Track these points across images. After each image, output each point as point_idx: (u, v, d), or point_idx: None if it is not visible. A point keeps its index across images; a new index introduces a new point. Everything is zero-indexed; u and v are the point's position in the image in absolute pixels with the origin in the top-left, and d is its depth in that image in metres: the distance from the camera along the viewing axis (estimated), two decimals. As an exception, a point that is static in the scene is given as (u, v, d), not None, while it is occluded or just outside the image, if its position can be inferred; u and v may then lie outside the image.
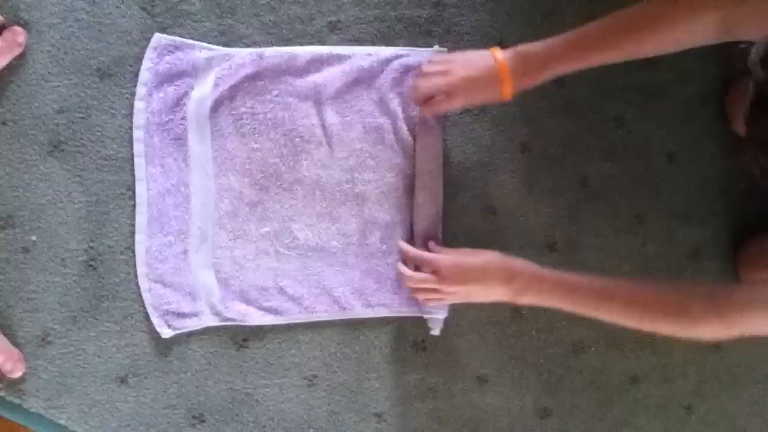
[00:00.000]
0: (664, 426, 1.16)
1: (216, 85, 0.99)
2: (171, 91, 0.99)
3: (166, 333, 1.00)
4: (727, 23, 0.78)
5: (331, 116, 1.02)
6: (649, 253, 1.14)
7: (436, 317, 1.03)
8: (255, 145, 1.01)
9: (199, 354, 1.01)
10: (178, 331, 1.00)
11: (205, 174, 1.00)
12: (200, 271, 1.00)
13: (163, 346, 1.00)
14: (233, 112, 1.00)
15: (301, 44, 1.02)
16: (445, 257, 0.96)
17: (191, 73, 0.99)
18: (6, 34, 0.93)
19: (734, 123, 1.13)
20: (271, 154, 1.01)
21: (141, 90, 0.98)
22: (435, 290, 0.96)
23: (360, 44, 1.04)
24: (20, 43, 0.94)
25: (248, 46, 1.01)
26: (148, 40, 0.98)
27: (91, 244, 0.98)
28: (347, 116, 1.03)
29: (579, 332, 1.12)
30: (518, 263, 0.94)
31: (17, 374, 0.95)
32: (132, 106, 0.98)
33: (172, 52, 0.99)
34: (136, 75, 0.98)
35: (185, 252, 1.00)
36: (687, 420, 1.17)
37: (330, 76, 1.02)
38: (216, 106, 1.00)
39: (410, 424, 1.08)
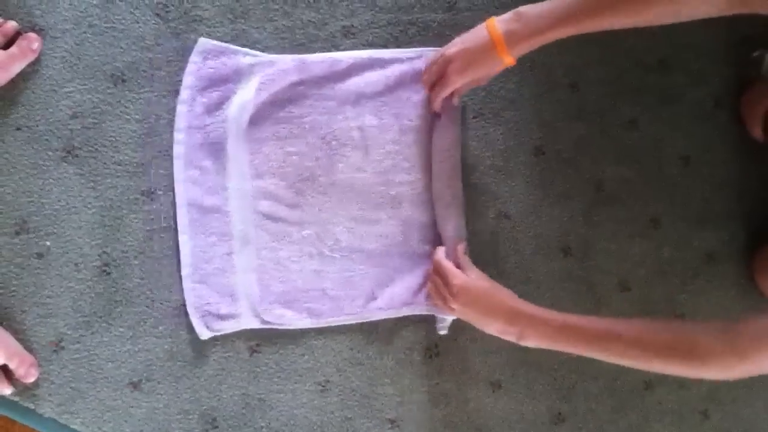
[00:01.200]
0: (680, 432, 1.15)
1: (258, 90, 1.00)
2: (215, 95, 1.00)
3: (205, 334, 1.00)
4: None
5: (369, 119, 1.03)
6: (664, 258, 1.13)
7: (445, 317, 1.03)
8: (291, 149, 1.01)
9: (212, 359, 1.01)
10: (216, 333, 1.00)
11: (242, 177, 1.00)
12: (243, 272, 1.01)
13: (177, 352, 1.00)
14: (272, 116, 1.01)
15: (314, 49, 1.02)
16: (459, 275, 0.96)
17: (234, 78, 1.00)
18: (21, 40, 0.94)
19: (750, 126, 1.13)
20: (307, 158, 1.02)
21: (184, 94, 0.99)
22: (444, 299, 0.96)
23: (373, 48, 1.03)
24: (34, 50, 0.94)
25: (262, 51, 1.01)
26: (162, 45, 0.98)
27: (104, 249, 0.98)
28: (384, 119, 1.03)
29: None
30: (526, 307, 0.93)
31: (30, 379, 0.95)
32: (145, 111, 0.98)
33: (217, 57, 0.99)
34: (150, 80, 0.98)
35: (230, 253, 1.00)
36: (702, 426, 1.16)
37: (371, 80, 1.03)
38: (256, 111, 1.00)
39: (424, 429, 1.07)
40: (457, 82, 0.93)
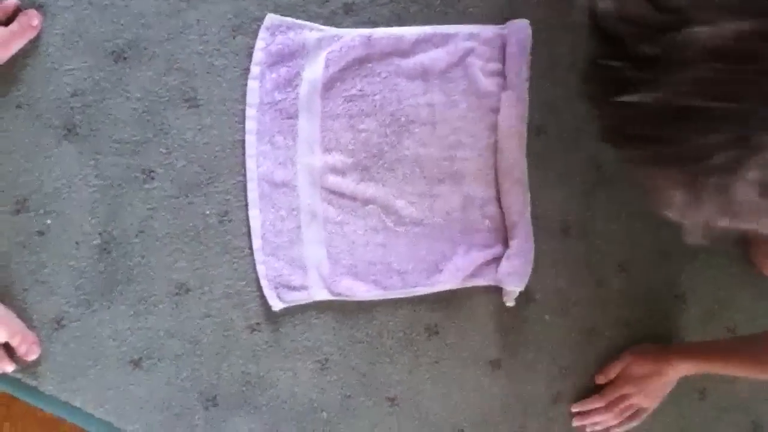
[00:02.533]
0: (678, 411, 1.16)
1: (326, 66, 1.01)
2: (284, 71, 1.01)
3: (277, 305, 1.02)
4: None
5: (438, 96, 1.04)
6: (664, 238, 1.13)
7: (513, 289, 1.06)
8: (362, 126, 1.03)
9: (212, 337, 1.01)
10: (288, 304, 1.02)
11: (311, 152, 1.02)
12: (312, 245, 1.02)
13: (177, 330, 1.00)
14: (344, 94, 1.02)
15: (315, 27, 1.02)
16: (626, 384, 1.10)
17: (301, 53, 1.01)
18: (21, 17, 0.93)
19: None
20: (376, 135, 1.03)
21: (255, 70, 1.00)
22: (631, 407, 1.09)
23: (375, 26, 1.03)
24: (35, 26, 0.93)
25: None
26: (162, 22, 0.98)
27: (105, 227, 0.98)
28: (453, 95, 1.05)
29: (593, 317, 1.12)
30: (676, 355, 1.07)
31: (32, 357, 0.95)
32: (146, 89, 0.98)
33: (284, 33, 1.00)
34: (151, 58, 0.98)
35: (298, 227, 1.02)
36: (701, 405, 1.17)
37: (436, 56, 1.04)
38: (327, 88, 1.02)
39: (423, 408, 1.08)
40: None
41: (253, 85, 1.01)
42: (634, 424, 1.11)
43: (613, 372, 1.10)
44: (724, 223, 0.58)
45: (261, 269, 1.02)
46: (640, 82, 0.51)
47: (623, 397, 1.09)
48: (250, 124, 1.01)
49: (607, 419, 1.10)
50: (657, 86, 0.50)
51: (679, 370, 1.07)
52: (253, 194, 1.01)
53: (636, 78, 0.51)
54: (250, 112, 1.01)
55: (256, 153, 1.01)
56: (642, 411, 1.10)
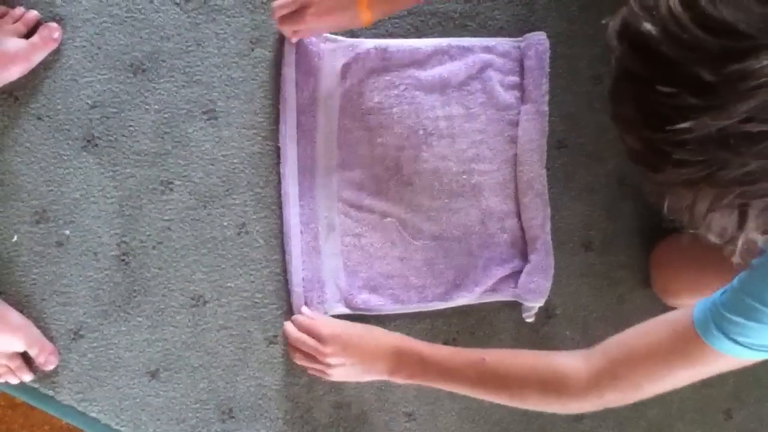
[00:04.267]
0: (702, 431, 1.13)
1: (344, 78, 1.01)
2: (302, 79, 1.01)
3: None
4: None
5: (456, 108, 1.04)
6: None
7: (532, 305, 1.04)
8: (380, 140, 1.02)
9: (229, 350, 1.01)
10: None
11: (328, 167, 1.02)
12: (329, 258, 1.02)
13: (194, 342, 1.00)
14: (362, 107, 1.02)
15: (333, 39, 1.02)
16: (324, 324, 0.97)
17: (318, 62, 1.01)
18: (41, 29, 0.94)
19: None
20: (394, 148, 1.03)
21: (289, 73, 1.00)
22: (315, 359, 0.96)
23: (393, 38, 1.02)
24: (55, 39, 0.94)
25: (281, 41, 1.01)
26: (181, 35, 0.98)
27: (123, 238, 0.98)
28: (472, 108, 1.04)
29: (613, 333, 1.09)
30: (404, 341, 0.95)
31: (50, 367, 0.96)
32: (164, 102, 0.98)
33: (305, 44, 1.01)
34: (170, 70, 0.98)
35: (315, 239, 1.02)
36: (725, 425, 1.14)
37: (454, 69, 1.03)
38: (345, 101, 1.02)
39: (440, 423, 1.07)
40: (312, 26, 0.92)
41: (287, 89, 1.00)
42: None
43: None
44: (764, 241, 0.57)
45: (297, 292, 1.01)
46: (695, 108, 0.49)
47: None
48: (282, 130, 1.01)
49: None
50: (719, 113, 0.49)
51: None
52: (292, 190, 1.00)
53: (690, 104, 0.49)
54: (282, 117, 1.00)
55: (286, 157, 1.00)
56: None
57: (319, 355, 0.94)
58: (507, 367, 0.86)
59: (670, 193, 0.59)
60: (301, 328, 0.98)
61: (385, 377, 0.94)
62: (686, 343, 0.73)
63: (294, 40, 0.98)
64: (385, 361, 0.94)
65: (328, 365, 0.94)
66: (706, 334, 0.71)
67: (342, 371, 0.95)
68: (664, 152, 0.53)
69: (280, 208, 1.02)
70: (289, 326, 0.99)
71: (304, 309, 1.00)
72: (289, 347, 1.00)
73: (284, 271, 1.02)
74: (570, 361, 0.83)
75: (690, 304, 1.03)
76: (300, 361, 0.98)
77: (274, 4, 0.92)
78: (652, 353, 0.76)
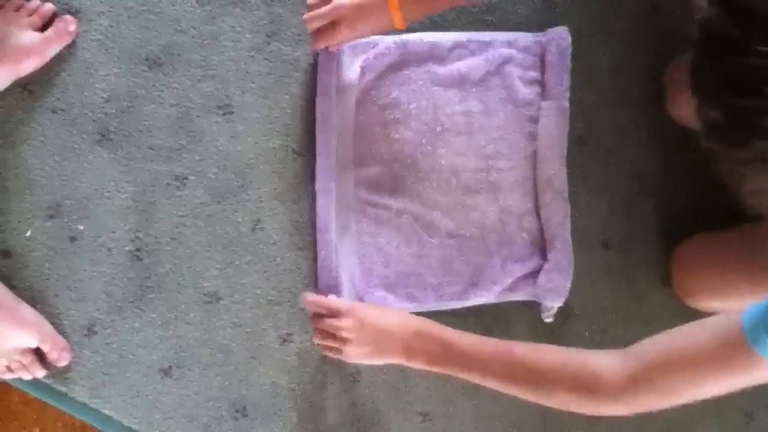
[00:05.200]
0: (724, 434, 1.12)
1: (362, 74, 1.00)
2: (325, 79, 0.99)
3: None
4: None
5: (474, 104, 1.02)
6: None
7: (552, 305, 1.03)
8: (396, 135, 1.01)
9: (242, 347, 1.00)
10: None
11: (344, 163, 1.00)
12: (344, 256, 1.01)
13: (207, 339, 0.99)
14: (378, 102, 1.01)
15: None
16: (343, 302, 0.94)
17: (338, 58, 1.00)
18: (57, 22, 0.94)
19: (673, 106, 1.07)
20: (411, 144, 1.01)
21: (328, 81, 0.99)
22: (334, 337, 0.92)
23: (412, 33, 1.01)
24: (71, 32, 0.94)
25: (297, 35, 1.00)
26: (197, 28, 0.97)
27: (137, 234, 0.97)
28: (490, 104, 1.03)
29: (633, 333, 1.07)
30: (424, 322, 0.90)
31: (63, 363, 0.95)
32: (179, 96, 0.97)
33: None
34: (186, 64, 0.97)
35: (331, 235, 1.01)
36: (746, 428, 1.12)
37: (473, 64, 1.02)
38: (362, 96, 1.01)
39: (455, 422, 1.05)
40: (347, 37, 0.90)
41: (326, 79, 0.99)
42: None
43: None
44: None
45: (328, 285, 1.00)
46: None
47: None
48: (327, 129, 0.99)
49: None
50: None
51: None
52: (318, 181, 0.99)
53: None
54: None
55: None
56: None
57: (335, 330, 0.91)
58: (536, 361, 0.82)
59: (752, 172, 0.56)
60: (320, 305, 0.94)
61: (401, 360, 0.89)
62: (732, 350, 0.70)
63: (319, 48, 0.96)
64: (402, 340, 0.89)
65: (343, 340, 0.90)
66: (757, 342, 0.67)
67: (357, 349, 0.90)
68: (752, 122, 0.50)
69: (295, 203, 1.01)
70: (308, 303, 0.95)
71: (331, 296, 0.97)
72: (315, 331, 0.96)
73: (299, 267, 1.01)
74: (604, 361, 0.80)
75: (711, 306, 1.02)
76: (317, 339, 0.94)
77: (305, 17, 0.90)
78: (693, 359, 0.73)
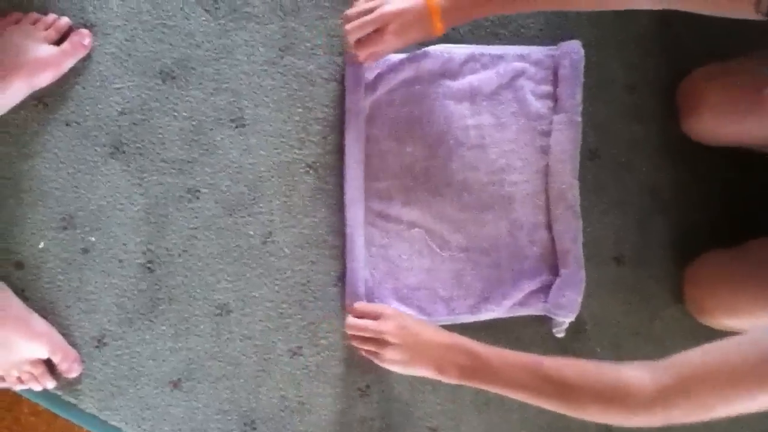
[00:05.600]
0: None
1: (375, 88, 1.00)
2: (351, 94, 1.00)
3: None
4: None
5: (487, 118, 1.02)
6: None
7: (563, 320, 1.02)
8: (409, 149, 1.01)
9: (252, 360, 1.00)
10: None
11: (357, 178, 1.00)
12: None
13: (217, 352, 0.99)
14: (391, 117, 1.01)
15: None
16: (387, 307, 0.95)
17: (364, 74, 1.00)
18: (72, 36, 0.94)
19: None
20: (423, 157, 1.01)
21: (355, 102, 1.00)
22: (374, 342, 0.92)
23: (424, 47, 1.01)
24: (86, 45, 0.95)
25: (311, 49, 1.00)
26: (211, 42, 0.98)
27: (149, 246, 0.97)
28: (502, 118, 1.02)
29: (645, 349, 1.07)
30: (455, 337, 0.90)
31: (73, 374, 0.95)
32: (193, 109, 0.98)
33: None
34: (200, 77, 0.98)
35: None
36: None
37: (485, 78, 1.02)
38: (374, 111, 1.01)
39: (465, 439, 1.05)
40: (392, 45, 0.91)
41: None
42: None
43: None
44: None
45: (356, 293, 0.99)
46: None
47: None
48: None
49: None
50: None
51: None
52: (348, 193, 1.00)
53: None
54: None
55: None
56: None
57: (378, 334, 0.91)
58: (566, 374, 0.82)
59: None
60: (361, 312, 0.95)
61: (433, 372, 0.89)
62: None
63: (365, 61, 0.96)
64: (436, 353, 0.89)
65: (385, 342, 0.90)
66: None
67: (395, 354, 0.90)
68: None
69: (307, 217, 1.01)
70: (351, 318, 0.96)
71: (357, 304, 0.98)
72: (351, 336, 0.96)
73: (309, 281, 1.01)
74: (635, 373, 0.78)
75: (724, 324, 1.01)
76: (356, 342, 0.95)
77: (348, 27, 0.90)
78: (730, 374, 0.71)
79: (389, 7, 0.88)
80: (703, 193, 1.08)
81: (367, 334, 0.92)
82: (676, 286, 1.07)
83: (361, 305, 0.97)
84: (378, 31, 0.89)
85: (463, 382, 0.88)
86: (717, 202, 1.08)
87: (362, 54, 0.92)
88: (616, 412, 0.79)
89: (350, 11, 0.91)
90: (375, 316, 0.93)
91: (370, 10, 0.89)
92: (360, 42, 0.91)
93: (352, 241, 0.99)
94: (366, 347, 0.93)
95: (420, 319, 0.96)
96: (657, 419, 0.77)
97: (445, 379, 0.89)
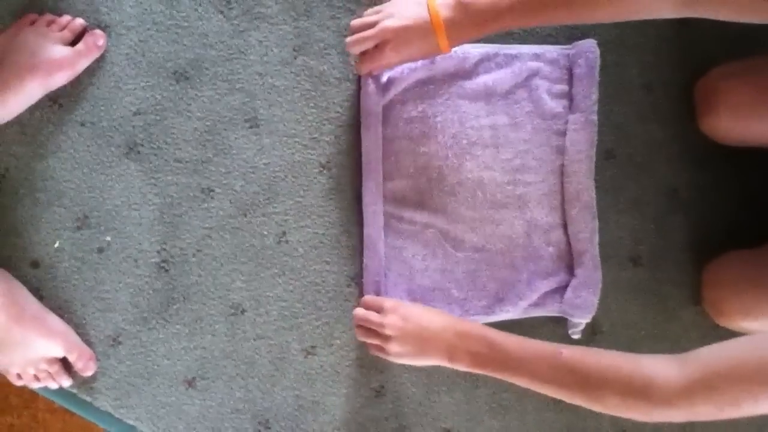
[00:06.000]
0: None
1: (388, 88, 0.99)
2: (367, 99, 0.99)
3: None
4: None
5: (501, 117, 1.01)
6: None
7: (579, 321, 1.01)
8: (423, 149, 1.00)
9: (266, 359, 1.00)
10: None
11: (370, 175, 1.00)
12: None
13: (232, 351, 0.99)
14: (404, 116, 1.00)
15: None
16: (389, 299, 0.94)
17: (380, 78, 0.99)
18: (87, 37, 0.95)
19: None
20: (437, 157, 1.01)
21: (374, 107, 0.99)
22: (377, 334, 0.91)
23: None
24: (100, 46, 0.95)
25: (324, 49, 1.00)
26: (224, 42, 0.98)
27: (163, 246, 0.98)
28: (517, 117, 1.02)
29: (661, 351, 1.04)
30: (468, 323, 0.89)
31: (88, 373, 0.96)
32: (207, 109, 0.98)
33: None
34: (213, 78, 0.98)
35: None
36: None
37: (500, 77, 1.01)
38: (388, 110, 1.00)
39: (480, 440, 1.04)
40: (392, 61, 0.89)
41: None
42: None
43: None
44: None
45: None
46: None
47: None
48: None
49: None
50: None
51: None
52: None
53: None
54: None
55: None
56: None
57: (379, 327, 0.90)
58: (587, 363, 0.80)
59: None
60: (367, 305, 0.95)
61: (444, 361, 0.87)
62: None
63: (363, 75, 0.96)
64: (446, 340, 0.87)
65: (387, 337, 0.89)
66: None
67: (399, 347, 0.89)
68: None
69: (321, 216, 1.01)
70: (357, 309, 0.95)
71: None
72: (356, 328, 0.95)
73: (324, 280, 1.01)
74: (659, 365, 0.76)
75: (743, 326, 0.99)
76: (361, 336, 0.94)
77: (349, 40, 0.90)
78: (757, 370, 0.69)
79: (390, 22, 0.86)
80: (722, 194, 1.06)
81: (370, 326, 0.92)
82: (694, 287, 1.06)
83: (368, 298, 0.96)
84: (378, 47, 0.88)
85: (475, 370, 0.86)
86: (735, 202, 1.06)
87: (363, 68, 0.92)
88: (637, 405, 0.77)
89: (355, 22, 0.90)
90: (378, 309, 0.93)
91: (374, 23, 0.87)
92: (361, 55, 0.90)
93: (371, 240, 0.99)
94: (370, 340, 0.92)
95: (428, 308, 0.94)
96: (680, 414, 0.75)
97: (457, 367, 0.87)
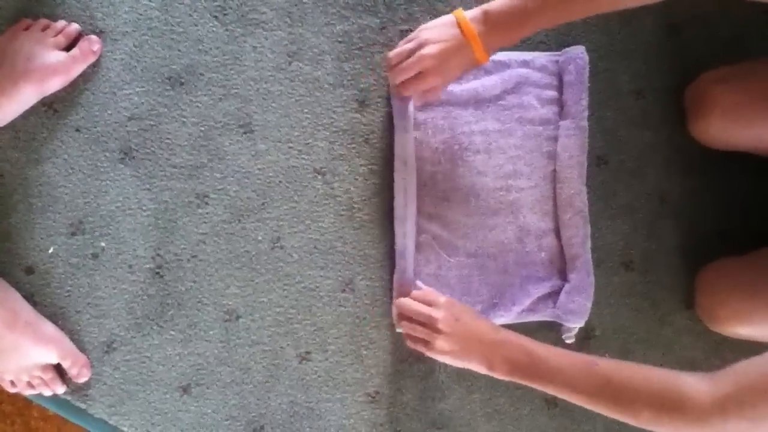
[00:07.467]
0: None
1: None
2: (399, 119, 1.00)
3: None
4: None
5: (492, 123, 1.02)
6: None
7: (572, 326, 1.02)
8: (415, 155, 1.01)
9: (261, 366, 1.00)
10: None
11: (411, 191, 1.00)
12: None
13: (226, 357, 0.99)
14: (396, 124, 1.01)
15: (371, 53, 1.01)
16: (441, 295, 0.94)
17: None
18: (82, 42, 0.95)
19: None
20: (429, 163, 1.01)
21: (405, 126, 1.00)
22: (425, 327, 0.91)
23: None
24: (95, 51, 0.95)
25: (318, 55, 1.00)
26: (219, 48, 0.98)
27: (158, 251, 0.98)
28: (508, 123, 1.02)
29: (654, 356, 1.07)
30: (508, 333, 0.90)
31: (83, 379, 0.96)
32: (201, 115, 0.98)
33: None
34: (207, 83, 0.98)
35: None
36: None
37: (489, 83, 1.02)
38: None
39: (474, 445, 1.04)
40: (436, 84, 0.90)
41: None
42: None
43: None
44: None
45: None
46: None
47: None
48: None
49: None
50: None
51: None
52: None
53: None
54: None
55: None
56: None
57: (431, 320, 0.90)
58: (621, 377, 0.81)
59: None
60: (418, 298, 0.95)
61: (483, 366, 0.88)
62: None
63: (418, 104, 0.98)
64: (488, 346, 0.89)
65: (438, 331, 0.90)
66: None
67: (446, 344, 0.89)
68: None
69: (315, 222, 1.01)
70: (403, 299, 0.96)
71: (419, 283, 0.99)
72: (399, 319, 0.96)
73: (318, 286, 1.01)
74: (692, 381, 0.77)
75: (736, 332, 1.00)
76: (406, 329, 0.94)
77: (390, 73, 0.91)
78: None
79: (428, 50, 0.87)
80: (713, 199, 1.07)
81: (420, 319, 0.92)
82: (686, 291, 1.07)
83: (421, 291, 0.97)
84: (421, 74, 0.89)
85: (513, 379, 0.87)
86: (726, 207, 1.07)
87: (405, 92, 0.92)
88: (671, 420, 0.77)
89: (392, 54, 0.91)
90: (429, 303, 0.93)
91: (412, 52, 0.88)
92: (404, 84, 0.91)
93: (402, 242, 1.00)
94: (416, 333, 0.92)
95: (476, 312, 0.94)
96: (712, 430, 0.75)
97: (495, 374, 0.88)
